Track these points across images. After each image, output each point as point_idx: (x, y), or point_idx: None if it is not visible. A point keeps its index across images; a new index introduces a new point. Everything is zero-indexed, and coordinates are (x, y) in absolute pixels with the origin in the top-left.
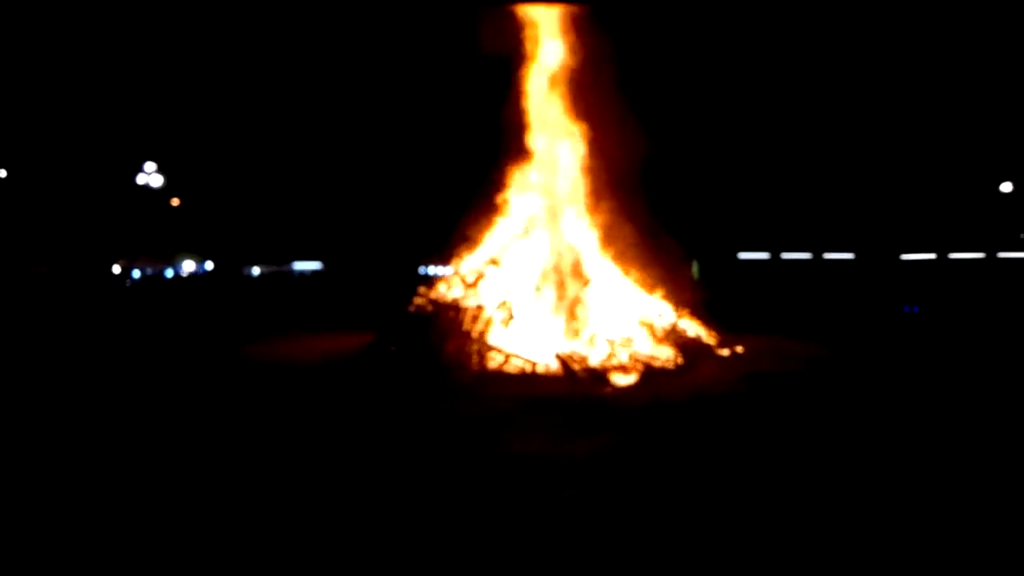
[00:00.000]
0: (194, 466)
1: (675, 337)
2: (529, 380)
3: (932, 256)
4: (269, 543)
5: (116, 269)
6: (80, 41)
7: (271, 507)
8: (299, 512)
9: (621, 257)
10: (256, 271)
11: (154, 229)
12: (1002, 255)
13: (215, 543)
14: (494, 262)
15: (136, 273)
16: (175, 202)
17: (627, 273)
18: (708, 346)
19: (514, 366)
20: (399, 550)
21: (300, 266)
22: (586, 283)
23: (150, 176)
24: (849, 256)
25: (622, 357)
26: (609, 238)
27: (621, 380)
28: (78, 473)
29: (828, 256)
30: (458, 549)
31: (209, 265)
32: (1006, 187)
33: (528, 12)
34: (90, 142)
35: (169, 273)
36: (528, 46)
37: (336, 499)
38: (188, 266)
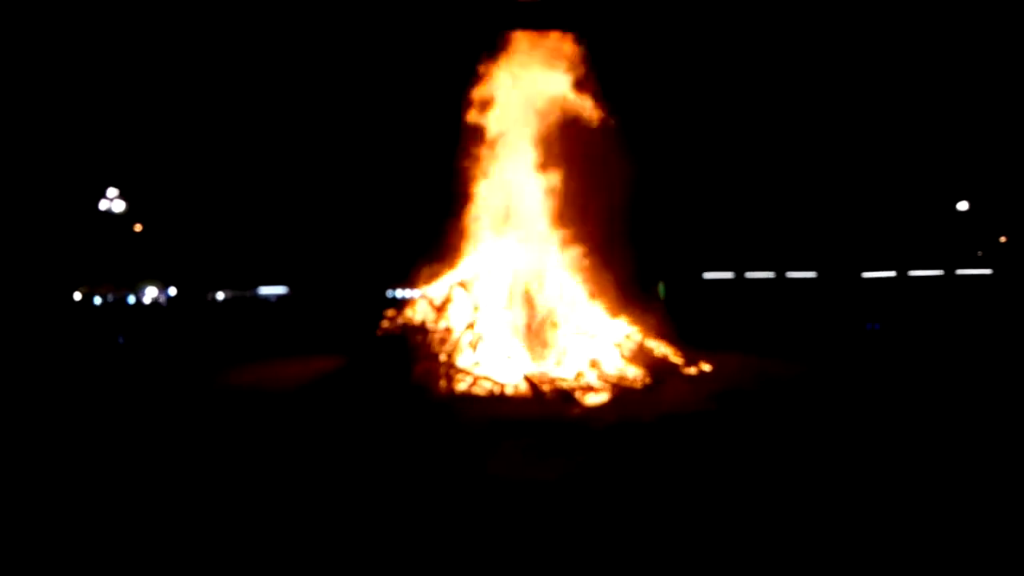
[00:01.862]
0: (179, 492)
1: (643, 357)
2: (498, 402)
3: (892, 274)
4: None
5: (77, 296)
6: (42, 68)
7: (255, 533)
8: (288, 538)
9: (588, 278)
10: (220, 296)
11: (117, 255)
12: (960, 272)
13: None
14: (462, 285)
15: (97, 300)
16: (138, 228)
17: (594, 294)
18: (675, 365)
19: (483, 388)
20: None
21: (266, 291)
22: (553, 305)
23: (112, 202)
24: (811, 275)
25: (590, 377)
26: (576, 260)
27: (590, 400)
28: (62, 506)
29: (791, 275)
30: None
31: (173, 291)
32: (962, 206)
33: (501, 38)
34: (51, 168)
35: (131, 300)
36: (498, 72)
37: (323, 522)
38: (151, 293)
